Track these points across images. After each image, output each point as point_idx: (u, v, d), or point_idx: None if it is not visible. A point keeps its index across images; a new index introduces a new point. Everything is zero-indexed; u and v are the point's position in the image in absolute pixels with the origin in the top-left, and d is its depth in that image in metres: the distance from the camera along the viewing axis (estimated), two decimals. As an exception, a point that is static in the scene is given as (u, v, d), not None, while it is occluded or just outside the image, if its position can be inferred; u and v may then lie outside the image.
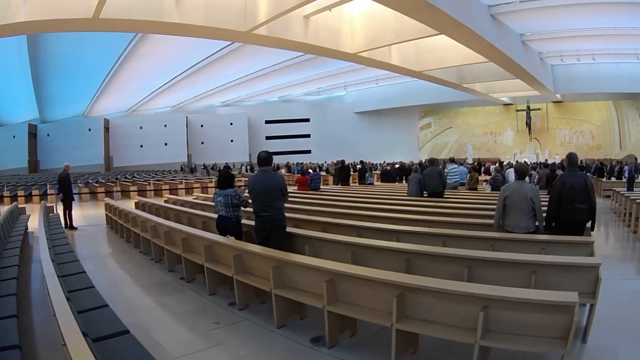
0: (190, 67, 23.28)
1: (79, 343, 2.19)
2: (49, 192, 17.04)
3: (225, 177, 5.55)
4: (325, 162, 30.69)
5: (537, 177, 12.52)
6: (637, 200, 8.64)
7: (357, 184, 15.98)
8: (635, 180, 13.57)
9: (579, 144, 29.73)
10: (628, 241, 8.40)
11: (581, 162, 24.43)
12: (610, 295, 4.52)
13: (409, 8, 10.38)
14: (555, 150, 29.41)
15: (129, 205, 10.09)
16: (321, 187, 13.24)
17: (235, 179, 8.27)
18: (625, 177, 15.02)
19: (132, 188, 19.06)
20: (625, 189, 12.19)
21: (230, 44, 18.38)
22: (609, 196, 13.77)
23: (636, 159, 22.30)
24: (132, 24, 10.19)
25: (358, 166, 17.73)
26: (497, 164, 16.08)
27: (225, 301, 4.78)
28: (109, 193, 16.79)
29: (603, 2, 13.76)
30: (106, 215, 10.72)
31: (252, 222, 5.36)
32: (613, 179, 16.96)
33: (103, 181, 22.92)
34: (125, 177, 25.61)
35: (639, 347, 3.57)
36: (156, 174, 28.11)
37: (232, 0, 10.96)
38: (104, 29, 10.40)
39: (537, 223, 4.95)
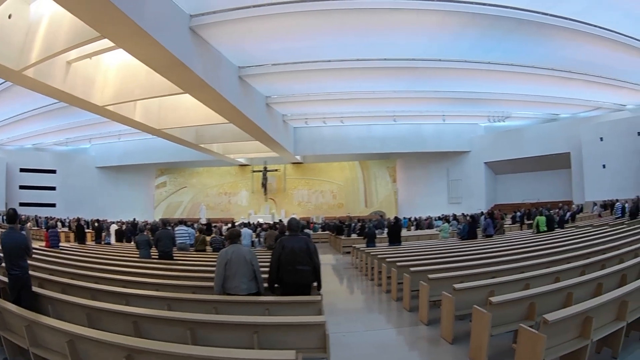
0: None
1: None
2: None
3: None
4: (68, 218, 29.77)
5: (263, 236, 13.42)
6: (379, 256, 9.70)
7: (94, 243, 15.81)
8: (377, 236, 14.52)
9: (318, 203, 34.23)
10: (373, 294, 9.10)
11: (324, 220, 27.99)
12: (354, 348, 5.29)
13: (162, 65, 10.92)
14: (293, 210, 32.83)
15: None
16: (61, 244, 13.36)
17: None
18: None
19: None
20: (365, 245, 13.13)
21: (3, 82, 16.91)
22: (349, 252, 15.34)
23: (381, 216, 26.70)
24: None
25: (95, 224, 17.69)
26: (229, 225, 16.95)
27: (1, 355, 4.88)
28: None
29: (355, 68, 16.06)
30: None
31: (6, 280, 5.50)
32: (354, 235, 18.54)
33: None
34: None
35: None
36: None
37: (16, 33, 10.72)
38: None
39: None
